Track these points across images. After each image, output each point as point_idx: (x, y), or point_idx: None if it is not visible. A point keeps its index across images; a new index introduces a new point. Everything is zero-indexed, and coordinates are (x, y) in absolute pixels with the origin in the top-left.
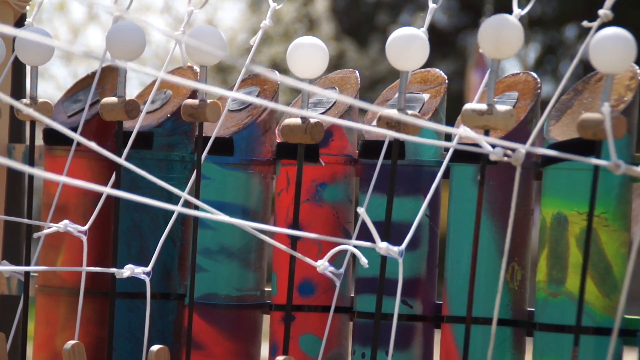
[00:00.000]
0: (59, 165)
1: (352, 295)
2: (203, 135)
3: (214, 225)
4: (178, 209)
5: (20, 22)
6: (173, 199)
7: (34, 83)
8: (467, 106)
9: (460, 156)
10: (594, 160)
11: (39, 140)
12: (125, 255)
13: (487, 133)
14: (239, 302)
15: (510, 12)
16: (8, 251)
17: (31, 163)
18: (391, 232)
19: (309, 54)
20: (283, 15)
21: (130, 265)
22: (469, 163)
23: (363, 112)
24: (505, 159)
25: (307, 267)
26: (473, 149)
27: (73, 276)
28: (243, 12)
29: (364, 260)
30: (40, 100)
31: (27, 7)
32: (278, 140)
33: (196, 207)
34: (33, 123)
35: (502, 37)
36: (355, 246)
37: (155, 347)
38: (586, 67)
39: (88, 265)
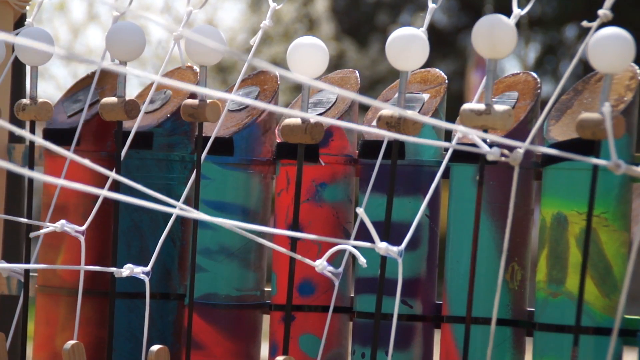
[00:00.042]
0: (58, 165)
1: (352, 295)
2: (203, 135)
3: (214, 225)
4: (177, 211)
5: (20, 22)
6: (173, 199)
7: (34, 83)
8: (466, 106)
9: (460, 156)
10: (594, 160)
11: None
12: (125, 255)
13: (485, 132)
14: (239, 302)
15: (510, 12)
16: (8, 251)
17: (31, 163)
18: (391, 232)
19: (309, 54)
20: (283, 15)
21: (129, 265)
22: (468, 163)
23: (363, 111)
24: (503, 159)
25: (307, 267)
26: (471, 149)
27: (73, 276)
28: (243, 12)
29: (362, 260)
30: (40, 100)
31: (27, 7)
32: (278, 140)
33: (196, 208)
34: (33, 123)
35: (496, 36)
36: (354, 246)
37: (155, 347)
38: (586, 67)
39: (88, 265)
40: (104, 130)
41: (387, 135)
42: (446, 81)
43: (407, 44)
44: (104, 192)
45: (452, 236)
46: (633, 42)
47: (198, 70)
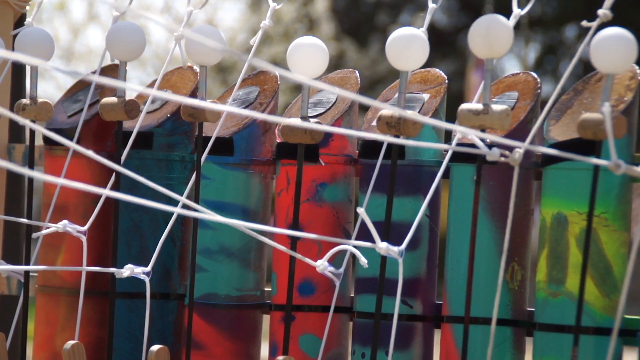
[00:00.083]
0: (58, 165)
1: (352, 295)
2: (203, 135)
3: (214, 225)
4: (178, 210)
5: (20, 22)
6: (173, 199)
7: (34, 83)
8: (463, 106)
9: (460, 156)
10: (594, 160)
11: (39, 140)
12: (125, 255)
13: (483, 132)
14: (239, 302)
15: (510, 12)
16: (8, 251)
17: (31, 163)
18: (391, 232)
19: (309, 54)
20: (283, 15)
21: (130, 265)
22: (468, 163)
23: (363, 111)
24: (503, 159)
25: (307, 267)
26: (470, 150)
27: (73, 276)
28: (243, 12)
29: (363, 260)
30: (40, 100)
31: (27, 7)
32: (278, 140)
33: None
34: (33, 123)
35: (492, 36)
36: (355, 246)
37: (155, 347)
38: (586, 67)
39: (88, 266)
40: (104, 130)
41: (386, 139)
42: (446, 81)
43: (407, 44)
44: (106, 192)
45: (452, 236)
46: (635, 43)
47: (198, 70)
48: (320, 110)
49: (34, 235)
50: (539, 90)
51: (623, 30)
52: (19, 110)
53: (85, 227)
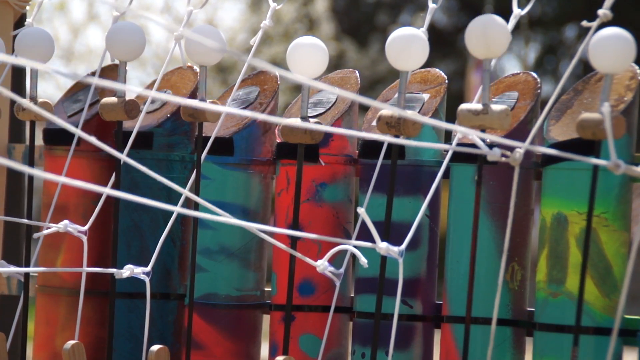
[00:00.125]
0: (58, 165)
1: (352, 295)
2: (203, 135)
3: (214, 225)
4: (178, 209)
5: (20, 22)
6: (173, 199)
7: (33, 83)
8: (463, 106)
9: (460, 156)
10: (594, 160)
11: (39, 140)
12: (125, 255)
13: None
14: (239, 302)
15: (510, 12)
16: (8, 251)
17: (31, 163)
18: (391, 232)
19: (309, 54)
20: (283, 15)
21: (129, 266)
22: (469, 163)
23: (363, 111)
24: (503, 159)
25: (307, 267)
26: (471, 150)
27: (73, 276)
28: (243, 12)
29: (363, 260)
30: (40, 100)
31: (27, 7)
32: (278, 140)
33: (196, 207)
34: (33, 123)
35: (489, 36)
36: (355, 246)
37: (155, 347)
38: (586, 67)
39: (88, 266)
40: (104, 131)
41: (386, 139)
42: (446, 81)
43: (407, 44)
44: (106, 191)
45: (452, 236)
46: (634, 42)
47: (198, 70)
48: (320, 110)
49: (35, 235)
50: (539, 90)
51: (622, 30)
52: (19, 110)
53: (86, 227)
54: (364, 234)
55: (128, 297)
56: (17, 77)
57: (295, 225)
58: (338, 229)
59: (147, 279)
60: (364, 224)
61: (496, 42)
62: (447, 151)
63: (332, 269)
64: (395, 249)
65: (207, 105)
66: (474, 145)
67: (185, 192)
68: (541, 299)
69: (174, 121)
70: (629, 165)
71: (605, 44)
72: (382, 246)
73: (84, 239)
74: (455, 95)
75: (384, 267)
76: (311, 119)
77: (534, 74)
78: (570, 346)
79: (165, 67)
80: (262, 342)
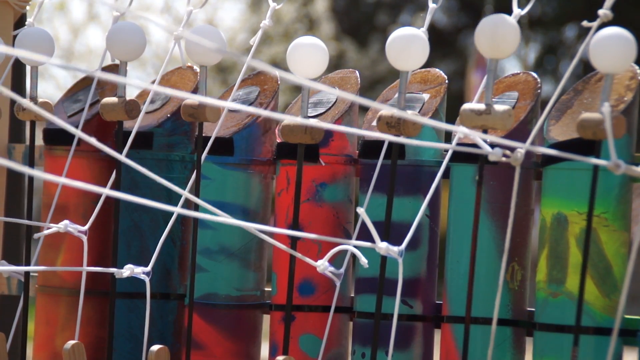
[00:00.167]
0: (59, 165)
1: (352, 295)
2: (203, 135)
3: (214, 225)
4: (178, 209)
5: (20, 22)
6: (173, 199)
7: (34, 83)
8: (466, 106)
9: (460, 156)
10: (594, 160)
11: (39, 140)
12: (125, 255)
13: (484, 133)
14: (239, 302)
15: (510, 12)
16: (8, 251)
17: (31, 163)
18: (391, 232)
19: (309, 54)
20: (283, 15)
21: (129, 265)
22: (469, 163)
23: (363, 112)
24: (504, 159)
25: (307, 267)
26: (472, 150)
27: (73, 276)
28: (243, 12)
29: (363, 261)
30: (40, 100)
31: (27, 7)
32: (278, 140)
33: (196, 208)
34: (33, 123)
35: (499, 36)
36: (355, 246)
37: (155, 347)
38: (586, 67)
39: (88, 266)
40: (104, 130)
41: (387, 138)
42: (446, 81)
43: (407, 44)
44: (106, 191)
45: (452, 236)
46: (634, 42)
47: (198, 70)
48: (321, 110)
49: (36, 235)
50: (539, 90)
51: (622, 30)
52: (19, 110)
53: (86, 227)
54: (364, 234)
55: (128, 297)
56: (17, 77)
57: (295, 225)
58: (338, 229)
59: (147, 279)
60: (364, 224)
61: (506, 42)
62: (447, 151)
63: (332, 269)
64: (395, 249)
65: (210, 101)
66: (474, 145)
67: (185, 194)
68: (541, 299)
69: (174, 121)
70: (629, 165)
71: (606, 44)
72: (382, 246)
73: (84, 239)
74: (455, 95)
75: (384, 267)
76: (311, 119)
77: (534, 74)
78: (570, 346)
79: (165, 67)
80: (262, 342)
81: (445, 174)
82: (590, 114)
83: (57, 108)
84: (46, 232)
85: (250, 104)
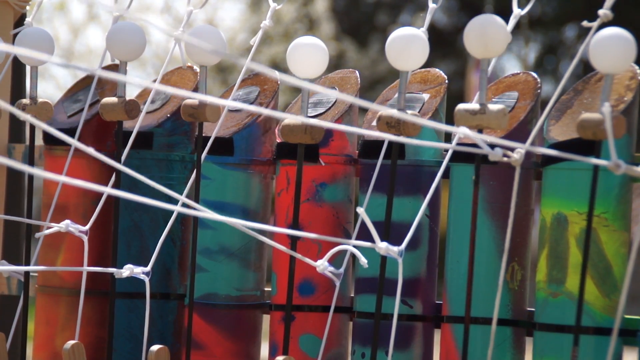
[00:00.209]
0: (59, 165)
1: (352, 295)
2: (203, 135)
3: (214, 225)
4: (178, 209)
5: (20, 22)
6: (173, 199)
7: (33, 83)
8: (460, 106)
9: (460, 156)
10: (594, 160)
11: (39, 140)
12: (125, 255)
13: (480, 132)
14: (239, 302)
15: (510, 12)
16: (8, 251)
17: (31, 163)
18: (391, 232)
19: (309, 54)
20: (283, 15)
21: (129, 265)
22: (469, 163)
23: (363, 112)
24: (505, 159)
25: (307, 267)
26: (472, 150)
27: (73, 276)
28: (243, 12)
29: (363, 261)
30: (40, 100)
31: (27, 7)
32: (278, 140)
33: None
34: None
35: (487, 36)
36: (355, 246)
37: (155, 347)
38: (586, 67)
39: (88, 266)
40: (104, 130)
41: (387, 137)
42: (446, 81)
43: (407, 44)
44: (106, 190)
45: (452, 236)
46: (634, 43)
47: (198, 70)
48: (321, 110)
49: (36, 235)
50: (539, 90)
51: (622, 30)
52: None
53: (87, 227)
54: (364, 234)
55: (128, 297)
56: (17, 77)
57: (295, 225)
58: (338, 229)
59: (147, 279)
60: (363, 224)
61: (495, 42)
62: (447, 151)
63: (332, 269)
64: (395, 248)
65: (211, 99)
66: (474, 145)
67: (182, 199)
68: (541, 299)
69: (174, 121)
70: (629, 165)
71: (606, 44)
72: (382, 246)
73: (85, 238)
74: (455, 95)
75: (384, 267)
76: (311, 120)
77: (534, 74)
78: (570, 346)
79: (165, 67)
80: (262, 342)
81: (445, 174)
82: (590, 114)
83: (57, 108)
84: (47, 231)
85: (250, 104)
